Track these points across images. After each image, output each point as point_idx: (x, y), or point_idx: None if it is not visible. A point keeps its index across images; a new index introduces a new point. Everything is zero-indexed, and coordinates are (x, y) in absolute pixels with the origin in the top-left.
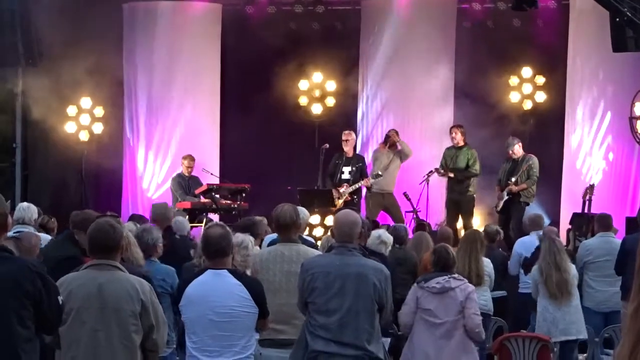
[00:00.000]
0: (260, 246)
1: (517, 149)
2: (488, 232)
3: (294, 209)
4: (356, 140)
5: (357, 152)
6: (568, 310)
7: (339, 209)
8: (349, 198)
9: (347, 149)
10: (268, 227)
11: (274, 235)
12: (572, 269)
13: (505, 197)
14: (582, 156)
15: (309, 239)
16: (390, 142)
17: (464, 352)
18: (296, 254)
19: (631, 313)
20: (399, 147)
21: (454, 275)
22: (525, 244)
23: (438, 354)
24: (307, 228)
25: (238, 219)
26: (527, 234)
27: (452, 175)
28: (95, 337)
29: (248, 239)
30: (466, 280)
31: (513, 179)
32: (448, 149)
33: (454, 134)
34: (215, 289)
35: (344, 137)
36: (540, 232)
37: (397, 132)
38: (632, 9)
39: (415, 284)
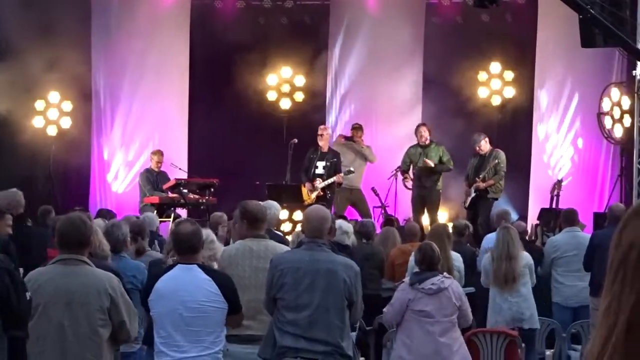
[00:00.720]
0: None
1: (484, 145)
2: (457, 226)
3: (261, 204)
4: (331, 136)
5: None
6: (514, 300)
7: (311, 204)
8: (322, 193)
9: (322, 143)
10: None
11: None
12: (525, 258)
13: (473, 194)
14: (550, 151)
15: (279, 233)
16: (353, 137)
17: (461, 348)
18: (264, 249)
19: (603, 309)
20: (362, 145)
21: (444, 274)
22: (492, 240)
23: (438, 353)
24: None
25: (206, 214)
26: (495, 229)
27: (431, 164)
28: (62, 332)
29: (211, 233)
30: (453, 278)
31: (480, 176)
32: (412, 147)
33: (422, 132)
34: (185, 284)
35: (319, 132)
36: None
37: (361, 128)
38: (599, 6)
39: (408, 286)
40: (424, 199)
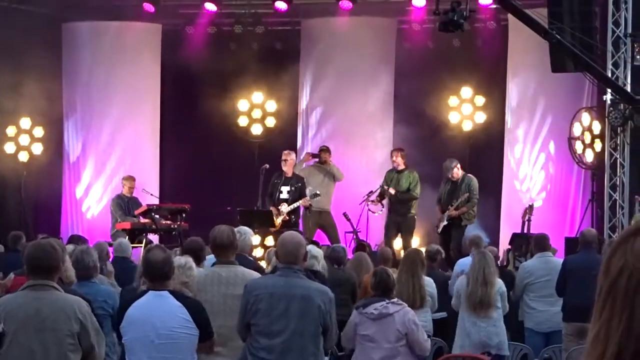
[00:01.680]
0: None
1: (456, 171)
2: (429, 251)
3: (231, 230)
4: (296, 160)
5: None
6: (484, 325)
7: (279, 230)
8: (287, 217)
9: (286, 168)
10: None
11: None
12: (499, 284)
13: (446, 222)
14: (522, 176)
15: (251, 259)
16: (321, 159)
17: None
18: (234, 276)
19: (591, 338)
20: (329, 166)
21: (392, 300)
22: (466, 265)
23: None
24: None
25: (178, 240)
26: (467, 254)
27: (392, 192)
28: (33, 357)
29: (190, 260)
30: (405, 305)
31: (453, 204)
32: (389, 171)
33: (394, 158)
34: (156, 311)
35: (283, 157)
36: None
37: (328, 150)
38: (570, 33)
39: (354, 309)
40: (399, 225)
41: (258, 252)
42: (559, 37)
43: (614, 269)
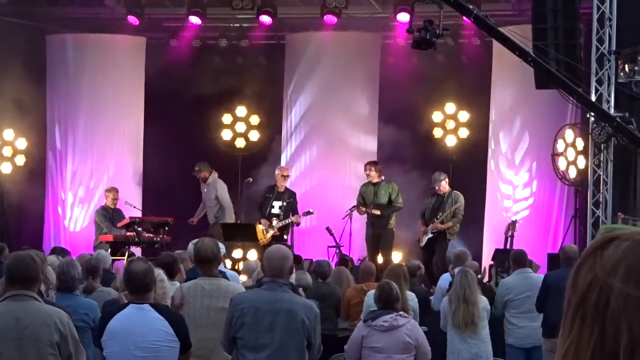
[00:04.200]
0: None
1: (444, 185)
2: (409, 266)
3: (214, 243)
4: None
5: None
6: (473, 342)
7: (267, 244)
8: (278, 233)
9: (279, 183)
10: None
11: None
12: (483, 302)
13: (430, 235)
14: (505, 192)
15: (233, 273)
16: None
17: None
18: (217, 289)
19: (561, 355)
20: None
21: (400, 313)
22: (448, 280)
23: None
24: (230, 262)
25: (160, 252)
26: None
27: (377, 212)
28: None
29: (162, 272)
30: (411, 317)
31: (439, 217)
32: (365, 185)
33: (368, 171)
34: (138, 324)
35: (282, 172)
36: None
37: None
38: (555, 51)
39: (361, 322)
40: (378, 238)
41: (241, 265)
42: (534, 55)
43: (582, 283)
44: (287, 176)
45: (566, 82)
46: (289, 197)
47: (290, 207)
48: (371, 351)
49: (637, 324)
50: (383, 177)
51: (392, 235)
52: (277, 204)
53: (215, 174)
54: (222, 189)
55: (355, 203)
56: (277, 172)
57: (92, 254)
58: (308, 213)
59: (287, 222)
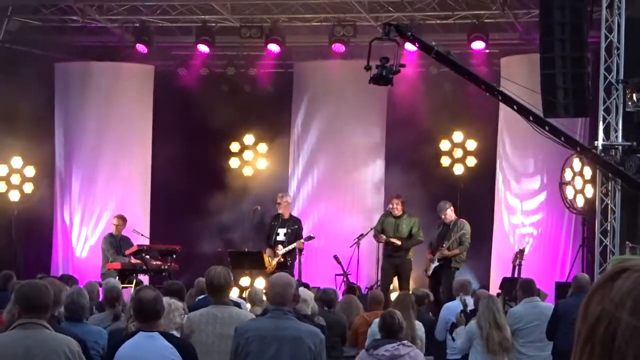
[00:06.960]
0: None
1: (450, 213)
2: (417, 295)
3: (227, 271)
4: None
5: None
6: None
7: (272, 271)
8: (283, 259)
9: (282, 211)
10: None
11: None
12: (509, 327)
13: (437, 263)
14: (513, 221)
15: (241, 300)
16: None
17: None
18: (229, 316)
19: None
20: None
21: (403, 342)
22: (450, 309)
23: None
24: (238, 290)
25: (168, 280)
26: (455, 298)
27: (398, 243)
28: None
29: (176, 300)
30: (414, 347)
31: (445, 244)
32: (385, 216)
33: (395, 205)
34: (147, 352)
35: (277, 200)
36: (464, 297)
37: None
38: (562, 79)
39: (364, 351)
40: (397, 268)
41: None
42: (503, 91)
43: (592, 315)
44: (280, 203)
45: (540, 117)
46: (294, 223)
47: (295, 234)
48: None
49: None
50: (404, 211)
51: (410, 265)
52: (282, 231)
53: None
54: None
55: (362, 232)
56: (277, 199)
57: (109, 281)
58: (310, 238)
59: (290, 248)
